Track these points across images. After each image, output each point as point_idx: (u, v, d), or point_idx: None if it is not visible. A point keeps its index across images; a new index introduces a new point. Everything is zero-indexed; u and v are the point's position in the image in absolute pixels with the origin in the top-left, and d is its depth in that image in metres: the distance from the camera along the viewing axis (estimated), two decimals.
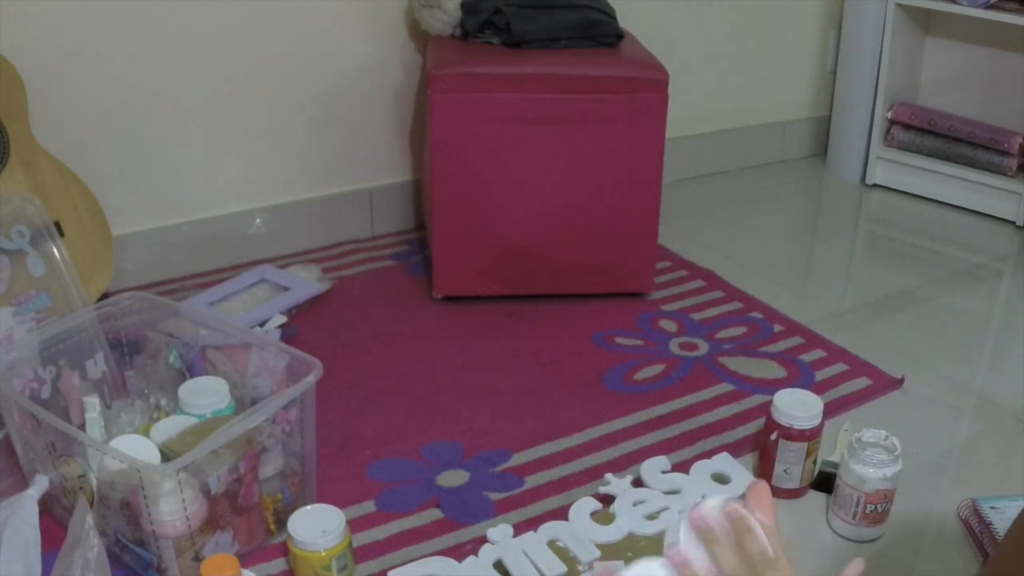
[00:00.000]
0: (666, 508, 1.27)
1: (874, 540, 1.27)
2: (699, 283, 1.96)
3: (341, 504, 1.22)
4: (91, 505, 1.15)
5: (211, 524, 1.13)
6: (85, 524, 1.05)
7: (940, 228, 2.32)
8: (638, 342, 1.73)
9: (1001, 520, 1.23)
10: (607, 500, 1.30)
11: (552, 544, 1.22)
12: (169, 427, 1.20)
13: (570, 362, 1.66)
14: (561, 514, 1.28)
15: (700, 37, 2.43)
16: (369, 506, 1.30)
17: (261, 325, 1.70)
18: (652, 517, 1.26)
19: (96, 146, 1.77)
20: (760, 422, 1.45)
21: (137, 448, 1.13)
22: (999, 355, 1.75)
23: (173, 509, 1.08)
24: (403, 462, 1.39)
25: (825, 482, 1.34)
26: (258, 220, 1.99)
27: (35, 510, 1.15)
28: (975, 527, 1.27)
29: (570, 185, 1.75)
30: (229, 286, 1.82)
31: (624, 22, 1.92)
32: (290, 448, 1.24)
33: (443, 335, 1.74)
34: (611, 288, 1.86)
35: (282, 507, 1.23)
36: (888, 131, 2.52)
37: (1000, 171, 2.33)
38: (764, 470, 1.34)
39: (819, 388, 1.58)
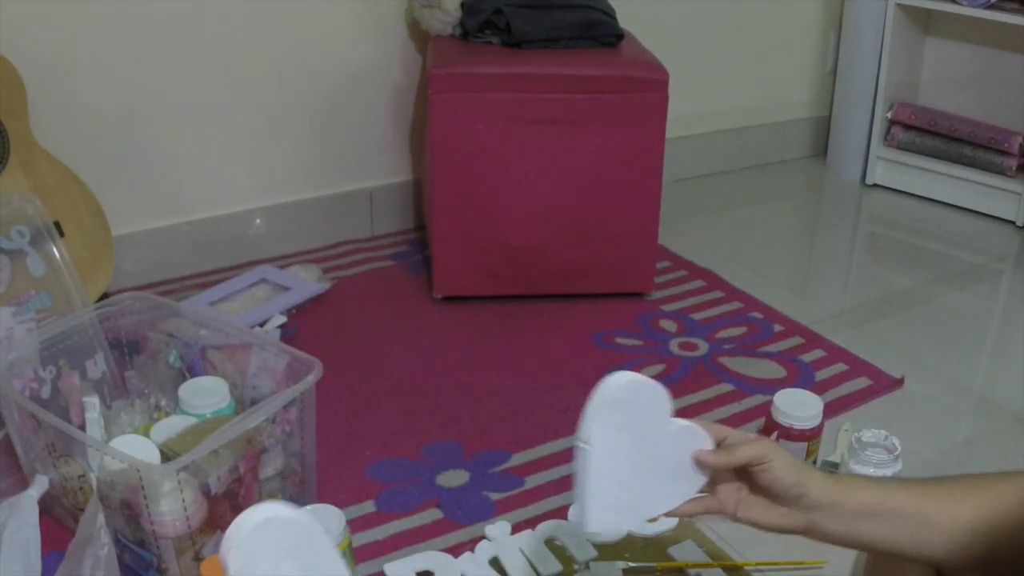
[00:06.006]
0: None
1: None
2: (699, 283, 1.96)
3: (341, 504, 1.21)
4: None
5: (211, 524, 1.12)
6: (96, 523, 1.05)
7: (940, 228, 2.32)
8: (638, 342, 1.73)
9: None
10: None
11: (549, 543, 1.22)
12: (169, 427, 1.20)
13: (570, 362, 1.66)
14: (561, 514, 1.28)
15: (700, 37, 2.43)
16: (369, 506, 1.30)
17: (261, 325, 1.70)
18: (651, 518, 1.26)
19: (96, 146, 1.77)
20: (760, 422, 1.45)
21: (137, 448, 1.13)
22: (999, 355, 1.75)
23: (173, 509, 1.08)
24: (403, 462, 1.39)
25: None
26: (258, 220, 1.99)
27: (35, 510, 1.15)
28: None
29: (570, 185, 1.75)
30: (229, 286, 1.82)
31: (624, 22, 1.92)
32: (290, 448, 1.24)
33: (443, 335, 1.74)
34: (611, 288, 1.86)
35: None
36: (888, 131, 2.52)
37: (1000, 171, 2.33)
38: None
39: (819, 388, 1.58)
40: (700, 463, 0.84)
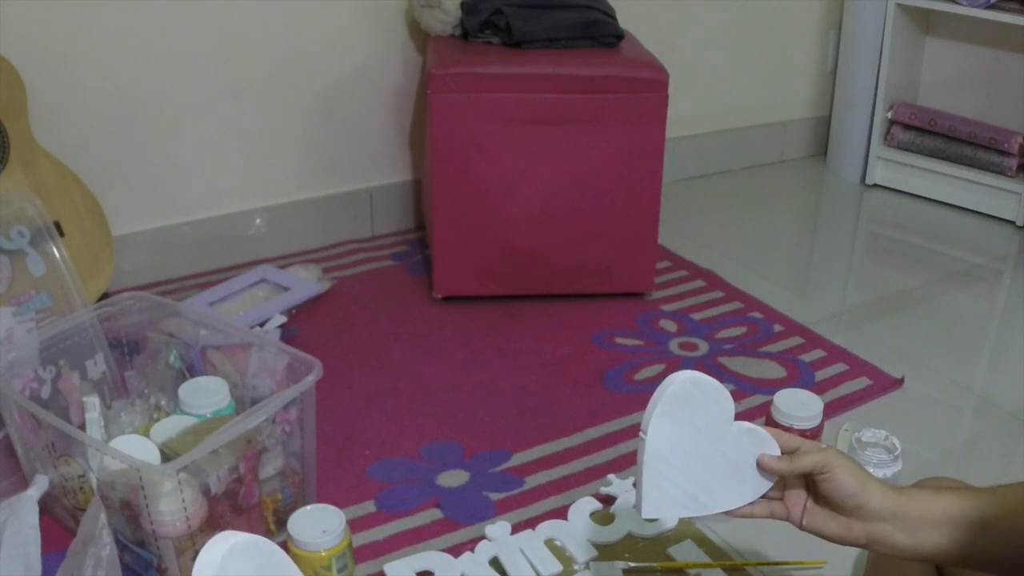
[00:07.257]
0: None
1: None
2: (699, 283, 1.96)
3: (341, 504, 1.22)
4: None
5: (211, 524, 1.12)
6: (98, 522, 1.05)
7: (940, 228, 2.32)
8: (638, 342, 1.73)
9: None
10: (608, 500, 1.30)
11: (549, 543, 1.22)
12: (169, 427, 1.20)
13: (570, 362, 1.66)
14: (561, 514, 1.28)
15: (700, 37, 2.43)
16: (369, 506, 1.30)
17: (261, 325, 1.70)
18: (652, 519, 1.26)
19: (96, 146, 1.77)
20: (760, 422, 1.45)
21: (137, 448, 1.13)
22: (999, 355, 1.75)
23: (173, 509, 1.08)
24: (403, 462, 1.39)
25: None
26: (258, 220, 1.99)
27: (35, 510, 1.15)
28: None
29: (570, 185, 1.75)
30: (229, 286, 1.82)
31: (624, 22, 1.92)
32: (290, 448, 1.24)
33: (443, 335, 1.74)
34: (611, 288, 1.86)
35: (282, 507, 1.23)
36: (888, 131, 2.52)
37: (1000, 171, 2.33)
38: None
39: (819, 388, 1.58)
40: (763, 467, 0.86)
